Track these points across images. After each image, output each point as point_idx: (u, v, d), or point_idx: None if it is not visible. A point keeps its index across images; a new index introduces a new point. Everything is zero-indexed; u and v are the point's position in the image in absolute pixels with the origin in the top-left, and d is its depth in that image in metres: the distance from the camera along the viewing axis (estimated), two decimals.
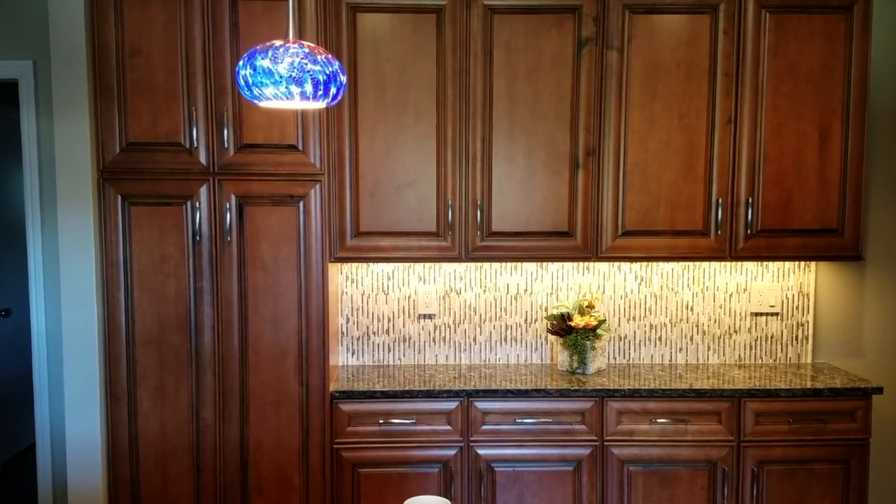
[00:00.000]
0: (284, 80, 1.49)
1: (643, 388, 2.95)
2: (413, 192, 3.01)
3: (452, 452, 2.94)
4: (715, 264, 3.35)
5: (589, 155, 3.03)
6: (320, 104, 1.57)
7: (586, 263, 3.33)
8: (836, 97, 3.02)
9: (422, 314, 3.35)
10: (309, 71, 1.50)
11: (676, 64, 3.00)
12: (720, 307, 3.37)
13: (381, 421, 2.92)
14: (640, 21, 2.99)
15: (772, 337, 3.39)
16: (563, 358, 3.21)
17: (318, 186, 2.88)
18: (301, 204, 2.88)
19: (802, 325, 3.38)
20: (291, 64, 1.49)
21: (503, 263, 3.33)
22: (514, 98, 3.00)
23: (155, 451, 2.91)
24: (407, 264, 3.32)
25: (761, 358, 3.40)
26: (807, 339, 3.39)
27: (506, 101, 3.00)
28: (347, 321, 3.35)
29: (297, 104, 1.56)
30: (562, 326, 3.16)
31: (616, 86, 3.00)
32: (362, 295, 3.34)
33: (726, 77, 3.00)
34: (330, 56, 1.57)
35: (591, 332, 3.13)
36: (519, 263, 3.33)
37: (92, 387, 2.87)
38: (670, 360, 3.39)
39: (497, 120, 3.00)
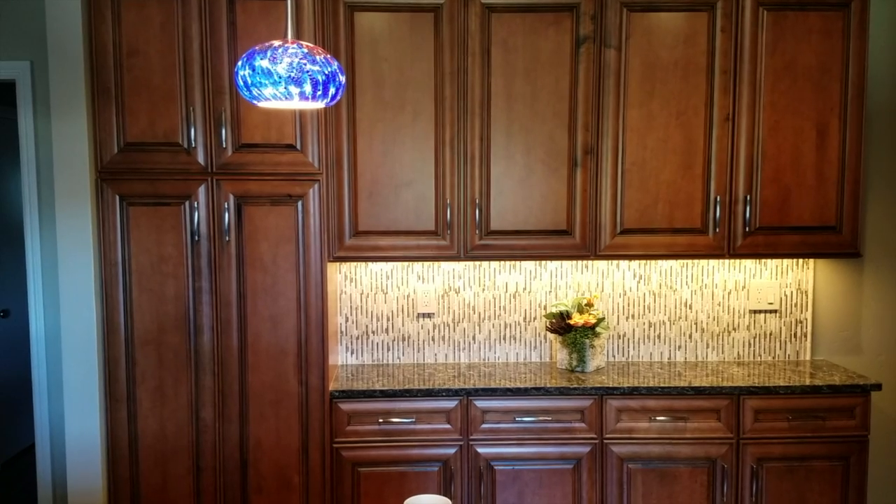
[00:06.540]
0: (283, 81, 1.48)
1: (642, 385, 2.95)
2: (411, 192, 3.01)
3: (452, 451, 2.94)
4: (713, 262, 3.35)
5: (587, 153, 3.03)
6: (319, 104, 1.57)
7: (585, 262, 3.33)
8: (834, 94, 3.03)
9: (421, 313, 3.35)
10: (308, 71, 1.50)
11: (674, 62, 3.00)
12: (719, 305, 3.38)
13: (380, 420, 2.92)
14: (638, 19, 2.99)
15: (770, 334, 3.39)
16: (562, 356, 3.21)
17: (316, 186, 2.88)
18: (300, 203, 2.88)
19: (801, 322, 3.39)
20: (290, 64, 1.49)
21: (502, 262, 3.33)
22: (513, 97, 3.00)
23: (154, 451, 2.91)
24: (406, 263, 3.32)
25: (760, 355, 3.40)
26: (805, 336, 3.39)
27: (504, 99, 3.00)
28: (346, 320, 3.35)
29: (297, 104, 1.55)
30: (561, 325, 3.16)
31: (614, 84, 3.00)
32: (361, 294, 3.34)
33: (724, 75, 3.00)
34: (329, 56, 1.57)
35: (590, 330, 3.13)
36: (518, 262, 3.33)
37: (91, 387, 2.87)
38: (669, 358, 3.40)
39: (495, 118, 3.00)
